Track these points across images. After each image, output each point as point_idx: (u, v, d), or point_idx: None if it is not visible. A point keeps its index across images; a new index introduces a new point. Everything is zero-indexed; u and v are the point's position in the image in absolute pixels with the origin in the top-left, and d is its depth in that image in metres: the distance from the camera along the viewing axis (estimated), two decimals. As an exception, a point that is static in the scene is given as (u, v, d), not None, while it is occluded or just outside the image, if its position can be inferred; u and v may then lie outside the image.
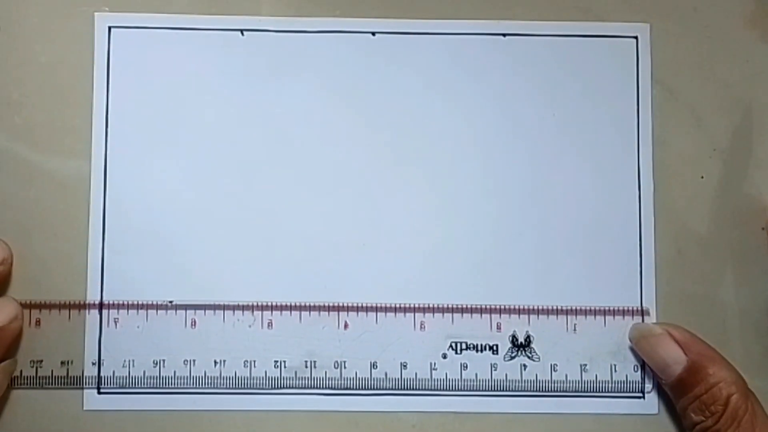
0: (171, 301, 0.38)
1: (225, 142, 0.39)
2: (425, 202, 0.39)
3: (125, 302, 0.38)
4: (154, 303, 0.38)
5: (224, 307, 0.38)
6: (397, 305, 0.38)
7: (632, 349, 0.38)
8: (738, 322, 0.38)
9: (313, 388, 0.38)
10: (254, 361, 0.38)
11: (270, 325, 0.38)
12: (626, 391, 0.38)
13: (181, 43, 0.39)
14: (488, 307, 0.38)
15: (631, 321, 0.38)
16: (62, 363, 0.37)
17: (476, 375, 0.38)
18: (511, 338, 0.38)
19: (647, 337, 0.37)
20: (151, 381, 0.37)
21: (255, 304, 0.38)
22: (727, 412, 0.34)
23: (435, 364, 0.38)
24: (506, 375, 0.38)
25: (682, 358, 0.36)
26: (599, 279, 0.38)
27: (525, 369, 0.38)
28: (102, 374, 0.37)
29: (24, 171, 0.38)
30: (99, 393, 0.37)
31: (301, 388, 0.38)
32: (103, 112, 0.38)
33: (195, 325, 0.38)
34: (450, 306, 0.38)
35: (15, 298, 0.37)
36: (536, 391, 0.38)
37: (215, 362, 0.38)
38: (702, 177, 0.39)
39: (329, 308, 0.38)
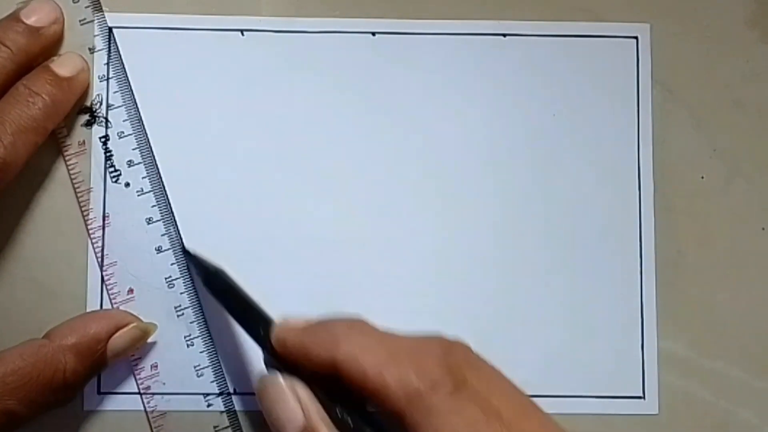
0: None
1: (224, 143, 0.39)
2: (425, 203, 0.39)
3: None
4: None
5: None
6: (399, 306, 0.38)
7: (633, 349, 0.38)
8: (738, 322, 0.38)
9: (313, 388, 0.38)
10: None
11: (270, 325, 0.38)
12: (626, 391, 0.38)
13: (181, 43, 0.39)
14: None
15: (631, 322, 0.38)
16: (62, 363, 0.37)
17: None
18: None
19: (268, 388, 0.32)
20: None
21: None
22: None
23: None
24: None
25: (299, 419, 0.30)
26: (599, 279, 0.38)
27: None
28: (102, 374, 0.37)
29: (24, 171, 0.38)
30: (99, 393, 0.37)
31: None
32: (103, 112, 0.38)
33: (195, 325, 0.38)
34: (451, 307, 0.38)
35: (18, 299, 0.37)
36: (536, 391, 0.38)
37: (215, 362, 0.38)
38: (702, 177, 0.39)
39: (330, 310, 0.38)
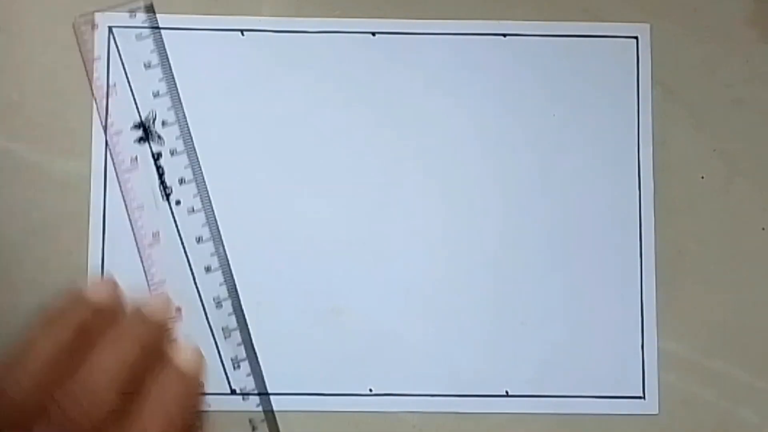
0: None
1: (224, 142, 0.39)
2: (425, 202, 0.39)
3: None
4: (155, 303, 0.38)
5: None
6: (399, 305, 0.38)
7: (633, 349, 0.38)
8: (738, 322, 0.38)
9: (313, 388, 0.38)
10: (254, 362, 0.38)
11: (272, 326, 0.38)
12: (626, 392, 0.38)
13: (181, 43, 0.39)
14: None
15: (631, 322, 0.38)
16: (62, 363, 0.37)
17: (477, 375, 0.38)
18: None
19: None
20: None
21: (257, 304, 0.38)
22: None
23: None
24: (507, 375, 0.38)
25: None
26: (599, 279, 0.38)
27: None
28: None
29: (24, 171, 0.38)
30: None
31: (301, 388, 0.38)
32: (104, 112, 0.38)
33: (195, 325, 0.38)
34: (451, 307, 0.38)
35: (18, 300, 0.37)
36: (536, 391, 0.38)
37: (215, 362, 0.38)
38: (702, 177, 0.39)
39: (331, 310, 0.38)
